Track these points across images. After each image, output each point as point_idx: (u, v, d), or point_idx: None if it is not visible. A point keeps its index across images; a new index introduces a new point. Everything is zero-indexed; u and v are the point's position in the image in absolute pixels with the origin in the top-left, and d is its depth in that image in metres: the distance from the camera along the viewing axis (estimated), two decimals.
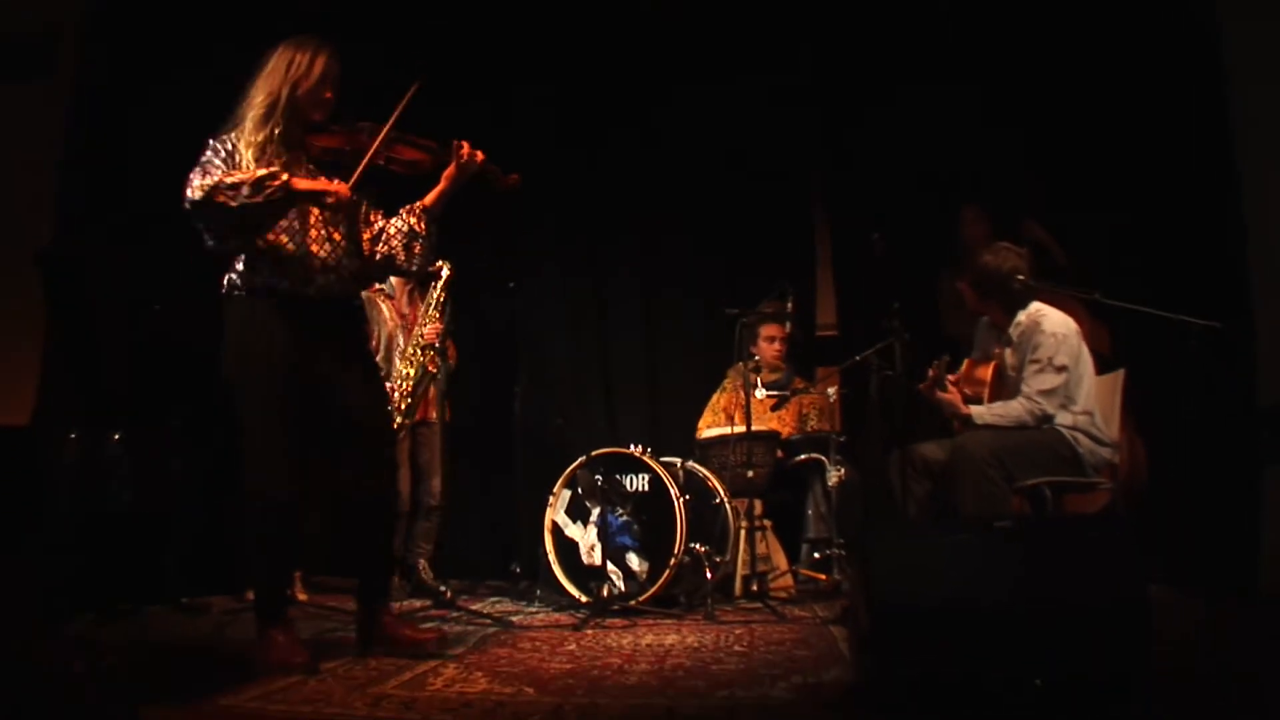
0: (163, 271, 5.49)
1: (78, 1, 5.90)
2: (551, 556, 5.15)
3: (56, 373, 5.50)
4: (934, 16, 6.03)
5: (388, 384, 5.30)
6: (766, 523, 5.53)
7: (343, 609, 4.53)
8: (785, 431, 5.92)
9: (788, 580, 5.50)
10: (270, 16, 5.46)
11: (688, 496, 4.98)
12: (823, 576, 5.40)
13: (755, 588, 5.17)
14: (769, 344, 6.07)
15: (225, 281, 3.56)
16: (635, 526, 5.00)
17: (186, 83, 5.66)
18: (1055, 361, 4.36)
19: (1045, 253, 5.51)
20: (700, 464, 5.44)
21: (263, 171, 3.37)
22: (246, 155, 3.46)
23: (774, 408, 5.83)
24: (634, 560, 4.96)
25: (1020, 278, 4.51)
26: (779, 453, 5.75)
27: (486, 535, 6.36)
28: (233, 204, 3.30)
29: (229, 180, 3.32)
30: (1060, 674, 2.66)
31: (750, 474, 5.39)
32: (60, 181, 5.78)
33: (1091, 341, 4.76)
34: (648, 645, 3.92)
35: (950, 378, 4.60)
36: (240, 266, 3.53)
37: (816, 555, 5.54)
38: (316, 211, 3.60)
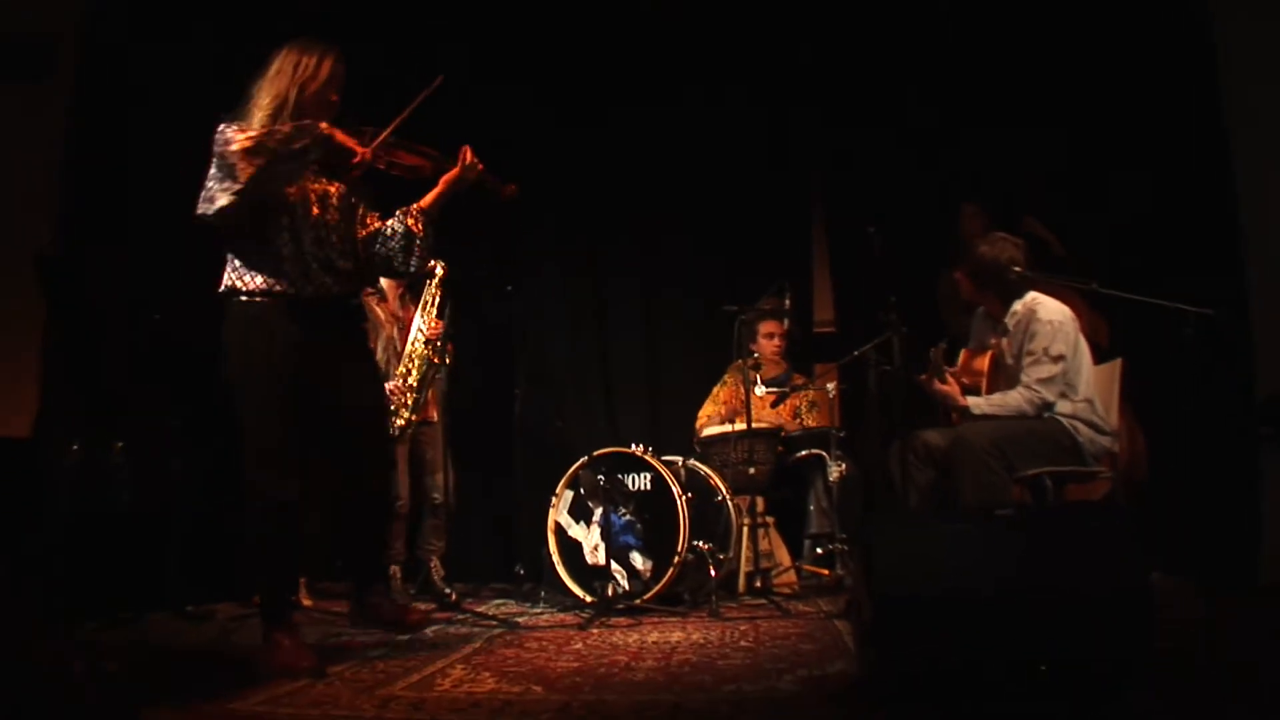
0: (162, 274, 5.51)
1: (78, 3, 5.90)
2: (555, 557, 5.16)
3: (56, 376, 5.50)
4: (933, 16, 6.05)
5: (389, 384, 5.32)
6: (769, 519, 5.57)
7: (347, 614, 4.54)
8: (785, 427, 5.93)
9: (791, 576, 5.54)
10: (270, 17, 5.52)
11: (690, 495, 4.99)
12: (825, 572, 5.43)
13: (759, 584, 5.20)
14: (768, 340, 6.10)
15: (224, 283, 3.57)
16: (638, 525, 5.02)
17: (186, 84, 5.67)
18: (1052, 350, 4.36)
19: (1045, 246, 5.53)
20: (702, 462, 5.46)
21: (305, 121, 3.47)
22: None
23: (774, 404, 5.85)
24: (638, 559, 4.97)
25: (1016, 268, 4.51)
26: (780, 449, 5.77)
27: (489, 538, 6.36)
28: (276, 148, 3.38)
29: (268, 131, 3.41)
30: (1062, 662, 2.67)
31: (752, 471, 5.41)
32: (60, 184, 5.77)
33: (1090, 333, 4.77)
34: (653, 643, 3.93)
35: (948, 369, 4.60)
36: (239, 267, 3.55)
37: (819, 550, 5.57)
38: (316, 211, 3.63)
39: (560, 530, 5.19)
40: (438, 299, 5.46)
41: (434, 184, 3.87)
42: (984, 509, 3.66)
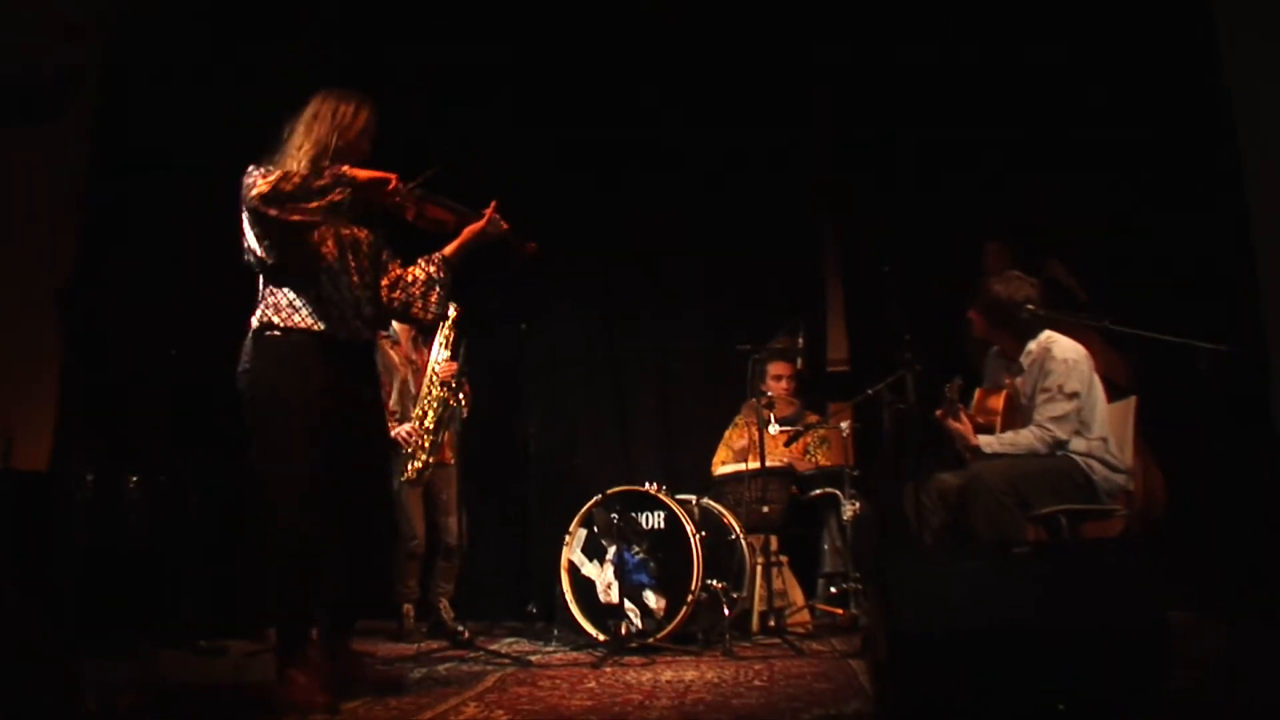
0: (179, 310, 5.55)
1: (98, 43, 5.98)
2: (569, 595, 5.14)
3: (74, 413, 5.53)
4: (950, 53, 6.10)
5: (406, 426, 5.34)
6: (783, 558, 5.53)
7: (359, 650, 4.52)
8: (797, 465, 5.94)
9: (805, 615, 5.50)
10: (289, 61, 5.59)
11: (704, 533, 4.97)
12: (840, 611, 5.39)
13: (772, 623, 5.15)
14: (776, 382, 6.11)
15: (258, 318, 3.62)
16: (652, 564, 4.99)
17: (204, 122, 5.74)
18: (1066, 388, 4.37)
19: (1066, 291, 5.55)
20: (715, 500, 5.43)
21: (335, 168, 3.54)
22: None
23: (787, 443, 5.84)
24: (651, 598, 4.95)
25: (1030, 307, 4.52)
26: (793, 488, 5.76)
27: (502, 576, 6.36)
28: (302, 200, 3.44)
29: (296, 180, 3.46)
30: (1078, 699, 2.66)
31: (765, 509, 5.39)
32: (80, 220, 5.83)
33: (1107, 371, 4.77)
34: (667, 681, 3.91)
35: (963, 410, 4.60)
36: (276, 305, 3.60)
37: (833, 590, 5.53)
38: (351, 258, 3.72)
39: (574, 568, 5.17)
40: (451, 340, 5.49)
41: (457, 236, 3.96)
42: (999, 547, 3.65)
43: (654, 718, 3.22)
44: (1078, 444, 4.39)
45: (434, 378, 5.48)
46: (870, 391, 5.14)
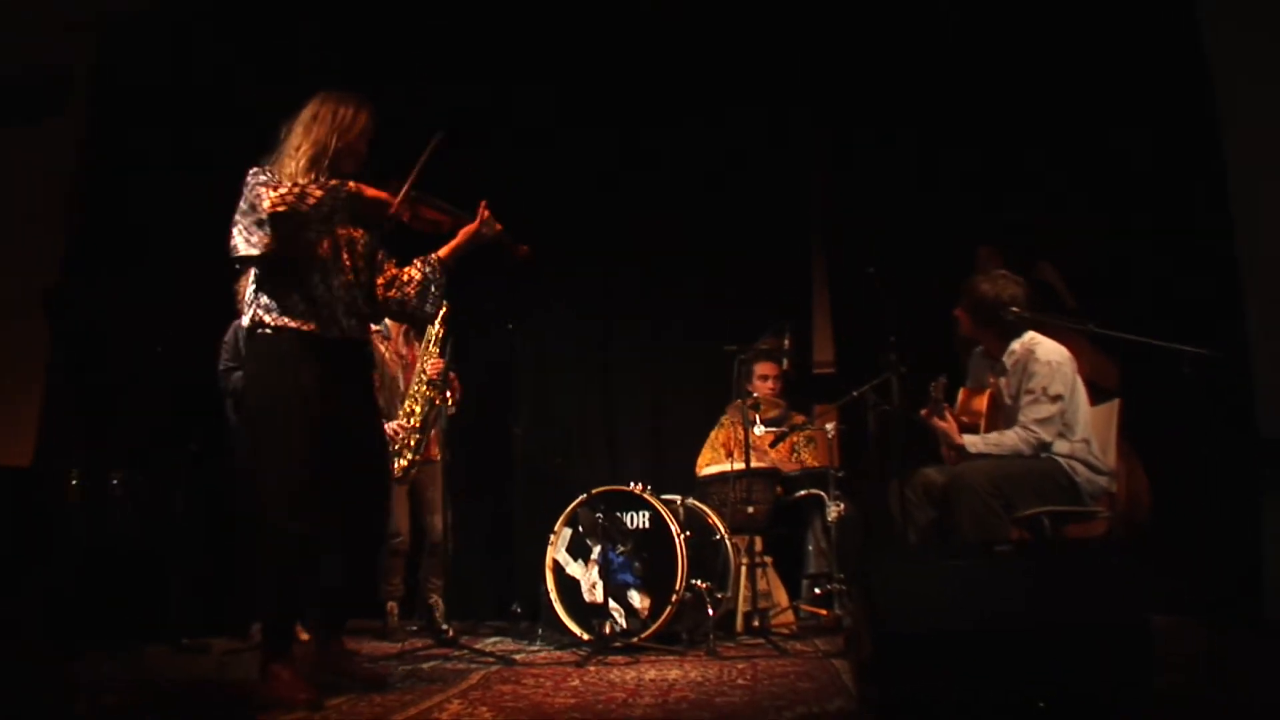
0: (166, 307, 5.55)
1: (89, 45, 5.97)
2: (553, 595, 5.14)
3: (59, 411, 5.52)
4: (942, 57, 6.12)
5: (393, 424, 5.35)
6: (767, 559, 5.55)
7: (350, 649, 4.52)
8: (782, 466, 5.96)
9: (789, 616, 5.52)
10: (280, 60, 5.59)
11: (688, 533, 4.97)
12: (824, 612, 5.41)
13: (757, 624, 5.17)
14: (762, 383, 6.12)
15: (251, 319, 3.65)
16: (636, 564, 4.99)
17: (193, 122, 5.74)
18: (1050, 391, 4.38)
19: (1055, 295, 5.57)
20: (700, 501, 5.44)
21: (334, 182, 3.59)
22: None
23: (772, 444, 5.86)
24: (635, 597, 4.95)
25: (1015, 308, 4.54)
26: (778, 489, 5.78)
27: (487, 575, 6.37)
28: (306, 208, 3.48)
29: (300, 188, 3.51)
30: (1060, 697, 2.67)
31: (750, 510, 5.41)
32: (66, 217, 5.82)
33: (1092, 374, 4.79)
34: (651, 680, 3.91)
35: (947, 408, 4.61)
36: (268, 305, 3.62)
37: (817, 591, 5.55)
38: (345, 258, 3.76)
39: (558, 568, 5.17)
40: (439, 337, 5.49)
41: (452, 237, 4.02)
42: (983, 546, 3.67)
43: (637, 716, 3.22)
44: (1061, 446, 4.40)
45: (422, 375, 5.48)
46: (855, 393, 5.16)
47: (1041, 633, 2.75)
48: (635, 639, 4.80)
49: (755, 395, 5.95)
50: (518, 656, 4.63)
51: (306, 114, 3.73)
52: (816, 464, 6.04)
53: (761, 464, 5.75)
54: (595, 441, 6.78)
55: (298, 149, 3.66)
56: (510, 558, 5.91)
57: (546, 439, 6.48)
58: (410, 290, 3.97)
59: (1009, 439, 4.40)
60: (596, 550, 5.09)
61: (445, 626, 5.18)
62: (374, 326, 5.38)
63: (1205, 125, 5.39)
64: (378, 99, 3.84)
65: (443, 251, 4.02)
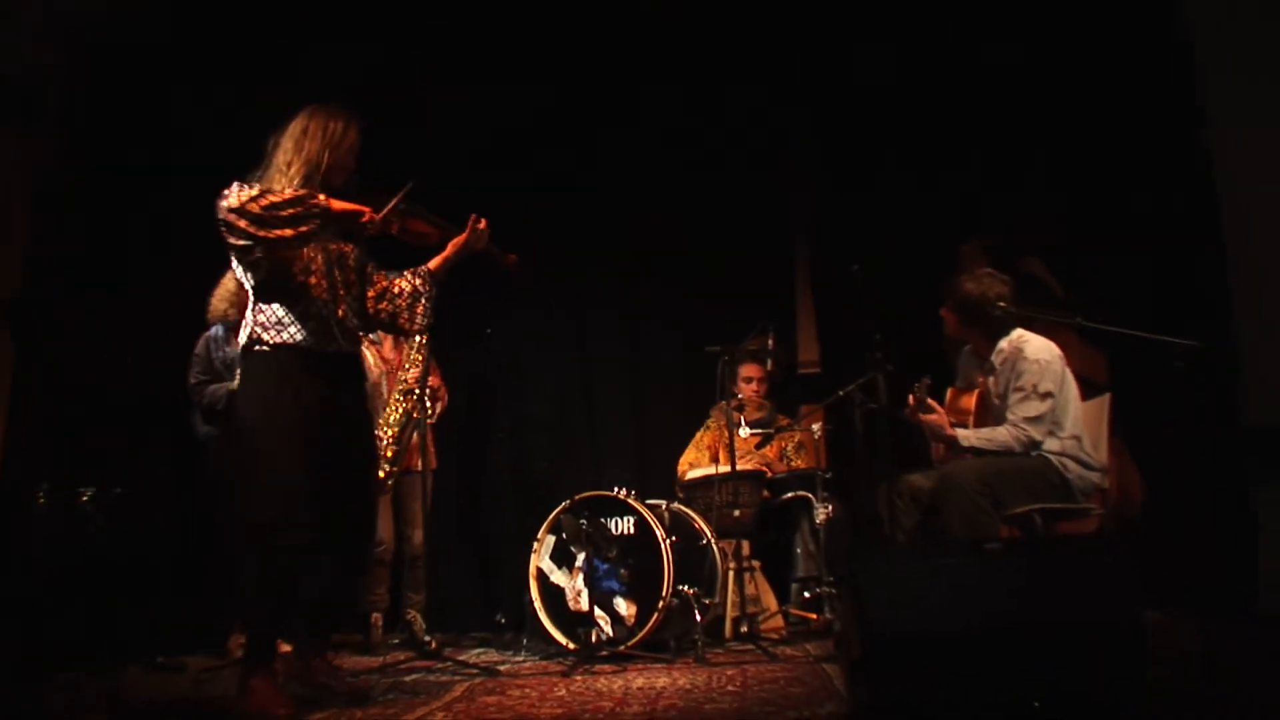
0: (137, 321, 5.53)
1: (59, 50, 5.95)
2: (537, 604, 5.13)
3: (25, 426, 5.49)
4: (924, 54, 6.16)
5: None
6: (755, 563, 5.56)
7: (335, 663, 4.51)
8: (770, 469, 5.97)
9: (778, 621, 5.52)
10: (249, 76, 5.60)
11: (674, 538, 4.97)
12: (814, 616, 5.40)
13: (745, 629, 5.17)
14: (747, 384, 6.13)
15: (249, 336, 3.70)
16: (622, 570, 4.99)
17: (162, 133, 5.73)
18: (1040, 388, 4.40)
19: (1044, 288, 5.59)
20: (686, 505, 5.45)
21: (303, 191, 3.61)
22: None
23: (758, 445, 5.86)
24: (621, 605, 4.95)
25: (1001, 304, 4.55)
26: (765, 492, 5.78)
27: (470, 585, 6.37)
28: (271, 220, 3.52)
29: (271, 198, 3.54)
30: (1055, 696, 2.68)
31: (737, 514, 5.43)
32: (33, 227, 5.80)
33: (1082, 369, 4.81)
34: (639, 688, 3.92)
35: (935, 405, 4.63)
36: (264, 322, 3.69)
37: (806, 594, 5.53)
38: (337, 273, 3.82)
39: (542, 576, 5.16)
40: (421, 344, 5.49)
41: (440, 249, 4.08)
42: (973, 544, 3.68)
43: None
44: (1051, 444, 4.42)
45: (403, 384, 5.49)
46: (841, 393, 5.15)
47: (1033, 631, 2.76)
48: (622, 647, 4.80)
49: (740, 397, 5.95)
50: (502, 667, 4.63)
51: (296, 128, 3.77)
52: (804, 465, 6.04)
53: (747, 466, 5.75)
54: (578, 446, 6.76)
55: (289, 165, 3.71)
56: (493, 567, 5.90)
57: (528, 445, 6.48)
58: (401, 302, 4.04)
59: (1001, 435, 4.42)
60: (581, 557, 5.09)
61: (428, 639, 5.18)
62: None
63: (1191, 116, 5.42)
64: (354, 104, 3.88)
65: (433, 263, 4.09)
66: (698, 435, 6.24)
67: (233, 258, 3.68)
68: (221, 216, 3.54)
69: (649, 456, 6.59)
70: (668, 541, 4.91)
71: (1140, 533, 5.07)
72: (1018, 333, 4.62)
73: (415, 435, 5.50)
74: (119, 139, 5.95)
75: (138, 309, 5.60)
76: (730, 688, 3.86)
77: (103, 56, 5.99)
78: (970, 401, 4.69)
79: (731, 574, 5.35)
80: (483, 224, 4.06)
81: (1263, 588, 4.86)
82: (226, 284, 5.19)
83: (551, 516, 5.22)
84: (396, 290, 4.04)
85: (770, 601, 5.60)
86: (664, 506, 5.24)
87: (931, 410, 4.56)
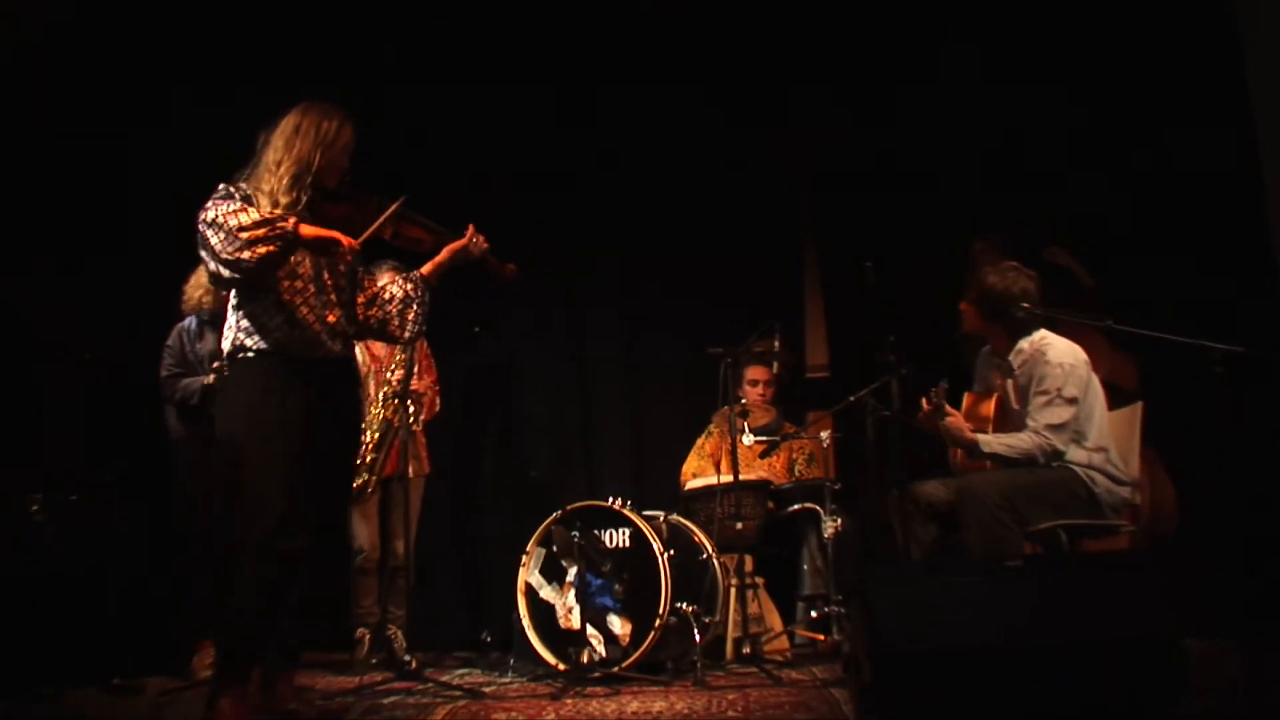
0: (94, 313, 5.47)
1: (19, 37, 5.91)
2: (526, 621, 5.08)
3: None
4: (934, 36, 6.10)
5: None
6: (758, 579, 5.50)
7: (301, 685, 4.46)
8: (775, 480, 5.90)
9: (783, 642, 5.47)
10: (207, 63, 5.57)
11: (672, 552, 4.92)
12: (821, 637, 5.35)
13: (748, 650, 5.12)
14: (752, 388, 6.09)
15: (232, 342, 3.72)
16: (616, 586, 4.94)
17: (115, 113, 5.69)
18: (1065, 392, 4.33)
19: (1070, 277, 5.53)
20: (685, 517, 5.40)
21: (275, 214, 3.59)
22: (266, 208, 3.63)
23: (763, 454, 5.80)
24: (615, 623, 4.89)
25: (1026, 304, 4.47)
26: (770, 503, 5.71)
27: (454, 601, 6.33)
28: (240, 244, 3.50)
29: (241, 218, 3.53)
30: None
31: (739, 526, 5.36)
32: None
33: (1111, 374, 4.74)
34: (633, 713, 3.89)
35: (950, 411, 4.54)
36: (248, 327, 3.70)
37: (814, 614, 5.48)
38: (325, 277, 3.83)
39: (531, 591, 5.11)
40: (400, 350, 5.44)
41: (434, 254, 4.11)
42: (993, 560, 3.60)
43: None
44: (1076, 454, 4.35)
45: (387, 386, 5.48)
46: (852, 398, 5.10)
47: (1058, 655, 2.70)
48: (616, 668, 4.74)
49: (744, 401, 5.88)
50: (487, 689, 4.58)
51: (288, 126, 3.78)
52: (811, 475, 5.96)
53: (751, 476, 5.69)
54: (570, 453, 6.69)
55: (279, 164, 3.71)
56: (479, 581, 5.84)
57: (518, 450, 6.44)
58: (392, 309, 4.07)
59: (1024, 441, 4.34)
60: (573, 572, 5.02)
61: (408, 658, 5.14)
62: None
63: (1234, 101, 5.35)
64: (345, 96, 3.92)
65: (425, 268, 4.13)
66: (699, 441, 6.20)
67: (210, 263, 3.64)
68: (198, 227, 3.56)
69: (646, 464, 6.55)
70: (665, 555, 4.84)
71: (1176, 552, 4.98)
72: (1040, 334, 4.55)
73: (398, 441, 5.42)
74: (70, 113, 5.88)
75: (98, 297, 5.53)
76: (731, 713, 3.82)
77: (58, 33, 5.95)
78: (989, 408, 4.64)
79: (733, 591, 5.28)
80: (480, 239, 4.11)
81: None
82: (202, 273, 5.13)
83: (542, 528, 5.16)
84: (387, 296, 4.07)
85: (775, 621, 5.53)
86: (661, 518, 5.19)
87: (948, 414, 4.47)
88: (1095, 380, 4.48)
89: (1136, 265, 5.55)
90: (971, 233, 5.94)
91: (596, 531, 5.05)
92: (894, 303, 4.90)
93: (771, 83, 6.56)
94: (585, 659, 4.81)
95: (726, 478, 5.35)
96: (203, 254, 3.58)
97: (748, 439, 5.71)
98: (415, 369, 5.47)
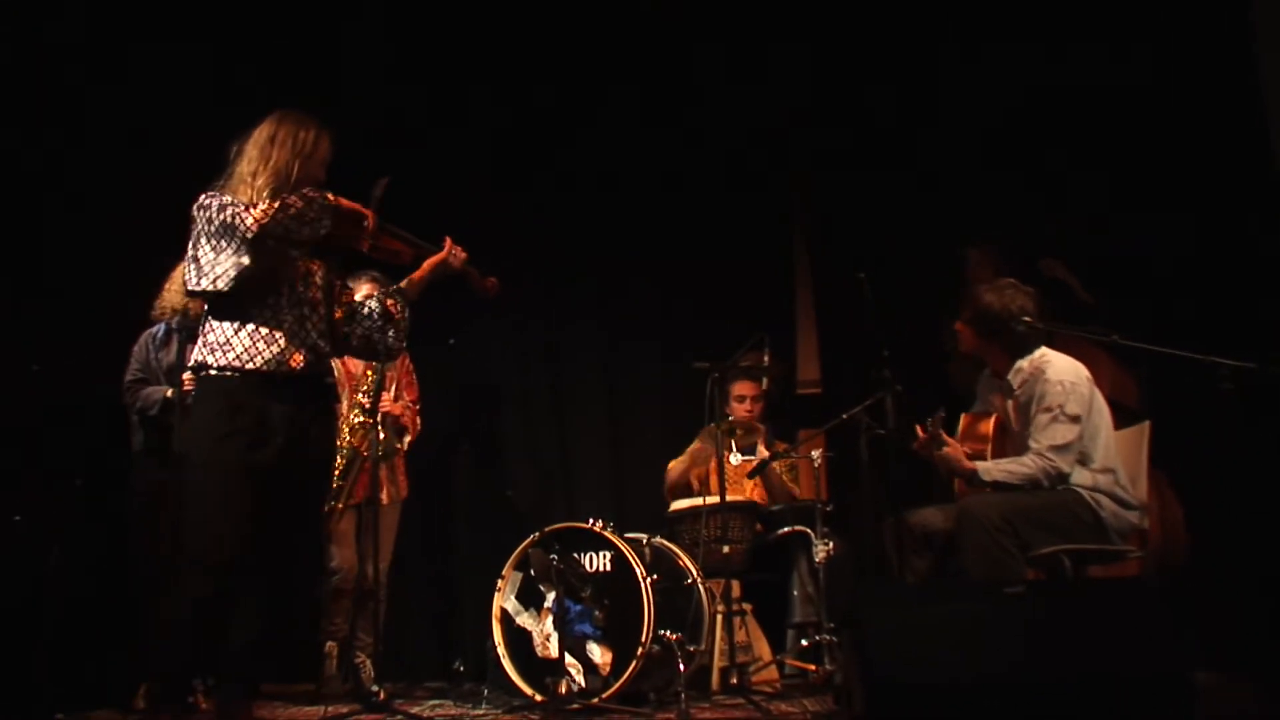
0: (44, 322, 5.44)
1: None
2: (501, 649, 5.06)
3: None
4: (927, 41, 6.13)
5: None
6: (746, 606, 5.50)
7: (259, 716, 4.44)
8: (763, 501, 5.88)
9: (772, 672, 5.46)
10: (172, 73, 5.58)
11: (655, 577, 4.91)
12: (812, 667, 5.33)
13: (735, 681, 5.13)
14: (739, 404, 6.06)
15: (196, 359, 3.71)
16: (596, 612, 4.92)
17: (68, 110, 5.68)
18: (1067, 409, 4.34)
19: (1067, 292, 5.54)
20: (669, 539, 5.38)
21: (314, 192, 3.69)
22: None
23: (750, 474, 5.79)
24: (595, 651, 4.88)
25: (1026, 319, 4.48)
26: (758, 526, 5.71)
27: (425, 628, 6.32)
28: (293, 221, 3.60)
29: (281, 200, 3.61)
30: None
31: (726, 550, 5.34)
32: None
33: (1113, 393, 4.74)
34: None
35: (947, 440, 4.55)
36: (213, 342, 3.69)
37: (804, 642, 5.46)
38: (300, 289, 3.83)
39: (506, 618, 5.09)
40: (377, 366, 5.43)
41: (413, 269, 4.10)
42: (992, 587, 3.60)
43: None
44: (1081, 476, 4.37)
45: (359, 408, 5.45)
46: (845, 416, 5.08)
47: (1060, 686, 2.68)
48: (595, 699, 4.72)
49: (731, 418, 5.87)
50: None
51: (263, 136, 3.79)
52: (801, 497, 5.96)
53: (738, 497, 5.68)
54: (548, 473, 6.70)
55: (254, 175, 3.72)
56: (452, 607, 5.82)
57: (492, 470, 6.41)
58: (371, 324, 4.03)
59: (1025, 466, 4.36)
60: (550, 597, 5.00)
61: (375, 688, 5.11)
62: None
63: (1246, 97, 5.38)
64: (316, 104, 3.93)
65: (405, 283, 4.10)
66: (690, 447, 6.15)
67: (199, 271, 3.61)
68: (251, 237, 3.55)
69: (628, 484, 6.55)
70: (648, 580, 4.83)
71: (1186, 580, 4.98)
72: (1040, 351, 4.58)
73: (368, 465, 5.43)
74: (20, 112, 5.86)
75: (49, 305, 5.50)
76: None
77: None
78: (988, 427, 4.66)
79: (720, 618, 5.27)
80: (459, 250, 4.11)
81: None
82: (177, 278, 5.13)
83: (518, 551, 5.15)
84: (366, 312, 4.03)
85: (763, 650, 5.52)
86: (644, 541, 5.18)
87: (945, 444, 4.47)
88: (1100, 398, 4.49)
89: (1137, 265, 5.58)
90: (971, 237, 5.96)
91: (576, 554, 5.02)
92: (890, 314, 4.90)
93: (765, 82, 6.59)
94: (563, 689, 4.78)
95: (713, 498, 5.33)
96: (208, 242, 3.57)
97: (735, 458, 5.70)
98: (394, 387, 5.47)
